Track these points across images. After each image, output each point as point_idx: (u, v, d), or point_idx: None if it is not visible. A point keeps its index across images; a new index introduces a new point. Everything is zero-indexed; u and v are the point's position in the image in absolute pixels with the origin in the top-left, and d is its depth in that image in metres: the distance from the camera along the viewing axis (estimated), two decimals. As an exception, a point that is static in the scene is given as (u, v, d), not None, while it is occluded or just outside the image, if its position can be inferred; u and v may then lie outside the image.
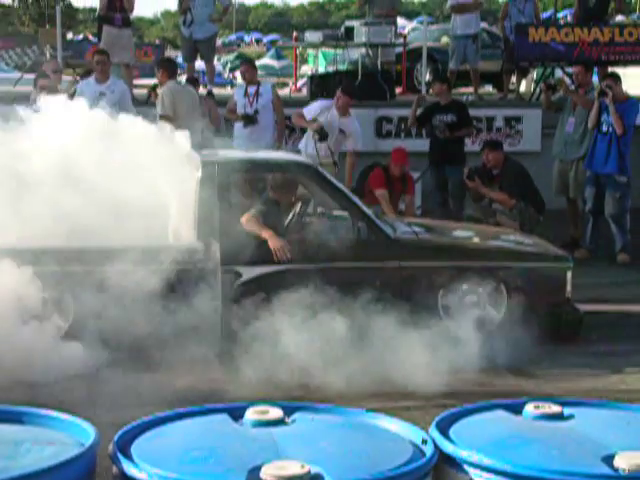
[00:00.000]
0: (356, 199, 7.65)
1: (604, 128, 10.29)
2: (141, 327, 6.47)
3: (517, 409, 3.10)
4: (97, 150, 7.09)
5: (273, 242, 7.11)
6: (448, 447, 2.82)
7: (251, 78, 11.49)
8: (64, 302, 6.80)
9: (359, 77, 13.60)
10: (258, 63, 18.57)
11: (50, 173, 6.76)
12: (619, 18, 16.77)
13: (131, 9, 12.70)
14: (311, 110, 10.76)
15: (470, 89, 15.08)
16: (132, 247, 6.68)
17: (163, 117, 10.16)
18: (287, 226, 7.55)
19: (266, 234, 7.15)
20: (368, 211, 7.58)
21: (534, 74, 16.08)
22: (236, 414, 3.08)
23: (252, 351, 6.46)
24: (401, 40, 15.89)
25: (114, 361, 6.27)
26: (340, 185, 7.63)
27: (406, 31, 20.17)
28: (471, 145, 12.38)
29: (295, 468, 2.63)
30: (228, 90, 18.37)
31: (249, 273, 7.05)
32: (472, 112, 12.16)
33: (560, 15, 19.53)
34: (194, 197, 7.15)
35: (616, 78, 10.51)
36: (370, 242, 7.30)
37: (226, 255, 6.99)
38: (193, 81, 12.06)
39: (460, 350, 6.97)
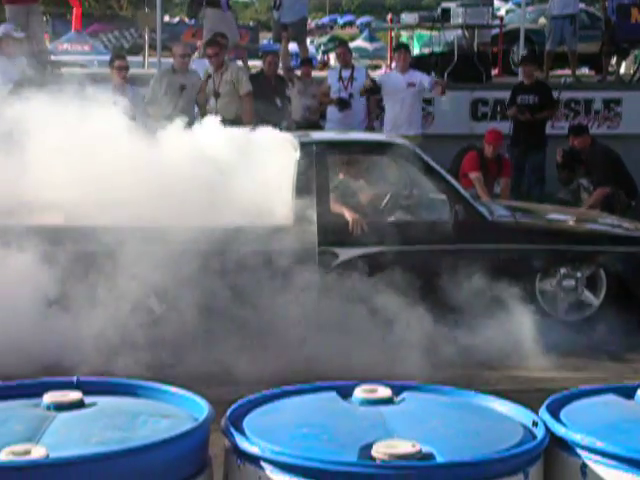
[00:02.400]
0: (454, 181, 7.61)
1: None
2: (239, 307, 6.56)
3: (629, 393, 3.07)
4: (197, 130, 7.21)
5: (350, 214, 7.14)
6: (560, 430, 2.81)
7: (347, 61, 11.55)
8: (167, 281, 6.91)
9: (455, 59, 13.50)
10: (351, 45, 18.54)
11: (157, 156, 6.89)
12: None
13: None
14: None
15: (567, 71, 14.85)
16: (229, 227, 6.77)
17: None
18: (383, 208, 7.55)
19: (343, 209, 7.19)
20: (465, 193, 7.55)
21: (634, 55, 15.76)
22: (344, 392, 3.11)
23: (349, 332, 6.50)
24: (498, 21, 15.71)
25: (213, 339, 6.38)
26: (437, 166, 7.61)
27: (502, 12, 19.95)
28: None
29: (406, 447, 2.64)
30: (321, 72, 18.37)
31: (346, 254, 7.07)
32: (570, 95, 12.03)
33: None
34: (292, 178, 7.19)
35: None
36: (467, 224, 7.26)
37: (323, 236, 7.02)
38: (308, 61, 12.16)
39: (558, 335, 6.93)
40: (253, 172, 7.02)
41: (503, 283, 6.95)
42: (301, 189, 7.14)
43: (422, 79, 11.11)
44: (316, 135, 8.12)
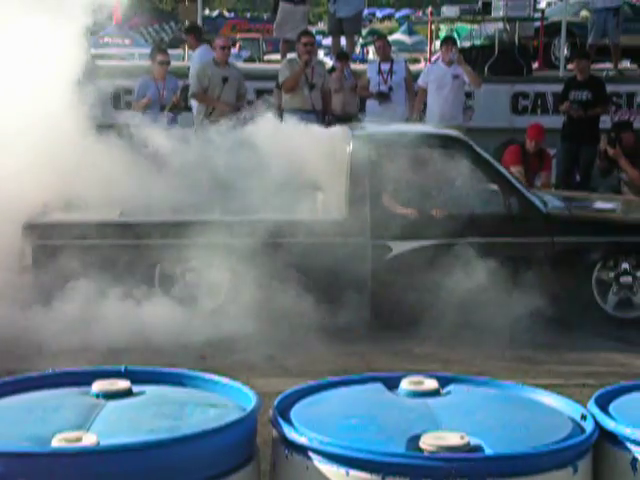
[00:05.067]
0: (507, 173, 7.53)
1: None
2: (292, 298, 6.56)
3: (678, 388, 3.04)
4: (253, 126, 7.27)
5: (402, 208, 7.12)
6: (609, 424, 2.78)
7: (386, 54, 11.53)
8: (220, 274, 6.94)
9: (495, 52, 13.44)
10: (389, 39, 18.56)
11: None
12: None
13: None
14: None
15: (609, 65, 14.72)
16: (283, 221, 6.79)
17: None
18: (437, 201, 7.47)
19: (396, 203, 7.17)
20: (520, 186, 7.46)
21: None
22: (391, 384, 3.10)
23: (401, 324, 6.49)
24: (539, 14, 15.62)
25: (265, 332, 6.41)
26: (491, 159, 7.54)
27: (543, 5, 19.81)
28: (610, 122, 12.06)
29: (454, 439, 2.63)
30: (359, 66, 18.35)
31: (399, 247, 7.04)
32: (612, 88, 11.90)
33: None
34: (345, 171, 7.15)
35: None
36: (522, 217, 7.19)
37: (376, 229, 6.99)
38: (344, 56, 12.10)
39: (621, 331, 6.90)
40: (307, 165, 7.04)
41: (558, 277, 6.92)
42: (354, 182, 7.11)
43: (462, 71, 11.12)
44: (371, 127, 8.09)
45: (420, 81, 11.22)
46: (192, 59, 11.53)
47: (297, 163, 6.91)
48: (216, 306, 6.76)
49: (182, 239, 6.71)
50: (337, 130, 7.51)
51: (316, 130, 7.32)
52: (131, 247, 6.74)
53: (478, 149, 7.53)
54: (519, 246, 7.12)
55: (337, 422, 2.80)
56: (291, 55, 11.65)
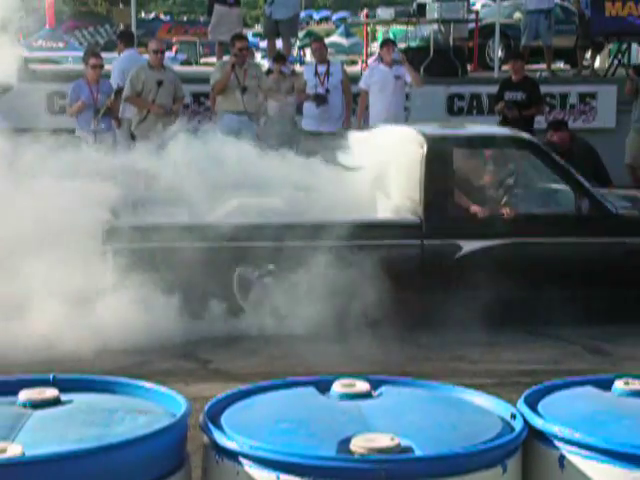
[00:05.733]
0: (577, 174, 7.51)
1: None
2: (360, 300, 6.56)
3: (606, 385, 3.07)
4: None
5: (474, 207, 7.17)
6: (537, 422, 2.81)
7: (323, 56, 11.55)
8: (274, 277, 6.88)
9: (431, 54, 13.55)
10: (327, 41, 18.65)
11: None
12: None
13: None
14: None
15: (542, 66, 14.91)
16: (356, 222, 6.85)
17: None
18: (507, 201, 7.46)
19: (468, 203, 7.18)
20: (590, 186, 7.48)
21: (608, 49, 15.85)
22: (323, 387, 3.10)
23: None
24: (473, 16, 15.79)
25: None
26: (560, 160, 7.57)
27: (477, 7, 20.01)
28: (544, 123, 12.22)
29: (385, 440, 2.63)
30: (297, 68, 18.36)
31: (469, 246, 7.06)
32: (545, 89, 12.04)
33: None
34: (419, 172, 7.15)
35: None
36: (592, 218, 7.24)
37: (448, 229, 7.02)
38: (280, 58, 12.09)
39: (558, 329, 6.99)
40: (382, 169, 7.17)
41: (628, 279, 7.05)
42: (428, 183, 7.11)
43: (403, 72, 11.18)
44: (441, 129, 8.12)
45: (362, 84, 11.27)
46: (114, 63, 11.46)
47: (374, 166, 6.98)
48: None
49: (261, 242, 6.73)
50: (409, 132, 7.54)
51: (389, 131, 7.34)
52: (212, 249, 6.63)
53: (548, 151, 7.56)
54: (590, 246, 7.18)
55: (268, 426, 2.79)
56: (226, 58, 11.64)
